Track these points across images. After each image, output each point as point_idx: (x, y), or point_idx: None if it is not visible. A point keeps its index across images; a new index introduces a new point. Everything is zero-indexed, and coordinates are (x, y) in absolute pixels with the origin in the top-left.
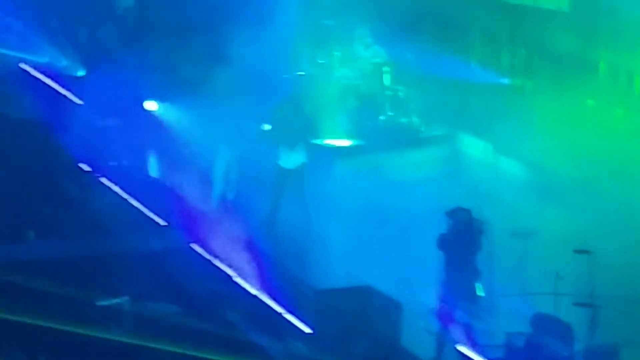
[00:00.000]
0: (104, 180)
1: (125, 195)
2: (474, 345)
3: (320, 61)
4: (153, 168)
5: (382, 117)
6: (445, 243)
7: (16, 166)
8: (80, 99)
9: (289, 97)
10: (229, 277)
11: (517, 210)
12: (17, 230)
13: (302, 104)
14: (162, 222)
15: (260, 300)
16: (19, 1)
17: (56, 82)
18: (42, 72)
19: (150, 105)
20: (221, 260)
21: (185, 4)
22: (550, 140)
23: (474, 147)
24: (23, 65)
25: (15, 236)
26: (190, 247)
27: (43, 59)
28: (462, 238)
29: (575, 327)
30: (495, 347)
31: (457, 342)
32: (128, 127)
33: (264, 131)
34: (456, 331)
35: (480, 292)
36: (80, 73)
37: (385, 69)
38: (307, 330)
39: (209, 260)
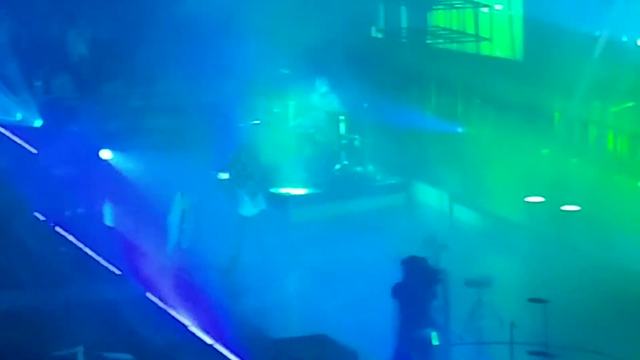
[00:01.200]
0: (58, 229)
1: (80, 245)
2: None
3: (276, 110)
4: (108, 217)
5: (337, 166)
6: (400, 292)
7: None
8: (35, 148)
9: (248, 146)
10: (184, 326)
11: (472, 259)
12: None
13: (260, 152)
14: (117, 271)
15: (216, 350)
16: None
17: (11, 131)
18: None
19: (105, 154)
20: (176, 310)
21: (141, 53)
22: (504, 189)
23: (429, 195)
24: None
25: None
26: (145, 297)
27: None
28: (418, 287)
29: None
30: None
31: None
32: (83, 176)
33: (222, 180)
34: None
35: (435, 342)
36: (36, 123)
37: (341, 117)
38: None
39: (164, 310)
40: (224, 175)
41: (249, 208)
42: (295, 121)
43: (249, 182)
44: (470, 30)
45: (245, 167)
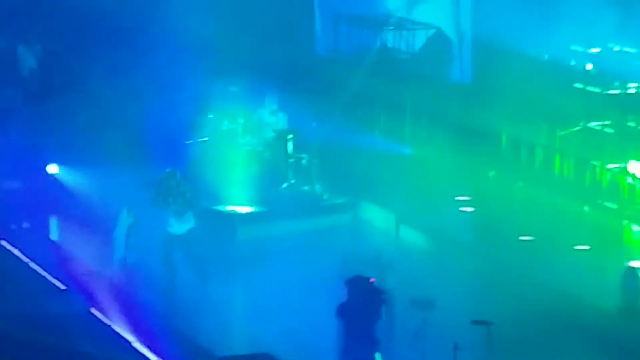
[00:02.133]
0: (3, 243)
1: (25, 259)
2: None
3: (224, 127)
4: (54, 231)
5: (284, 184)
6: (345, 312)
7: None
8: None
9: (185, 164)
10: (129, 343)
11: (417, 279)
12: None
13: (199, 170)
14: (62, 287)
15: None
16: None
17: None
18: None
19: (52, 168)
20: (120, 326)
21: (89, 67)
22: (451, 210)
23: (376, 215)
24: None
25: None
26: (90, 312)
27: None
28: (362, 307)
29: None
30: None
31: None
32: (29, 190)
33: (155, 197)
34: None
35: None
36: None
37: (289, 136)
38: None
39: (109, 326)
40: (157, 193)
41: (177, 226)
42: (244, 139)
43: (179, 200)
44: (419, 51)
45: (178, 184)
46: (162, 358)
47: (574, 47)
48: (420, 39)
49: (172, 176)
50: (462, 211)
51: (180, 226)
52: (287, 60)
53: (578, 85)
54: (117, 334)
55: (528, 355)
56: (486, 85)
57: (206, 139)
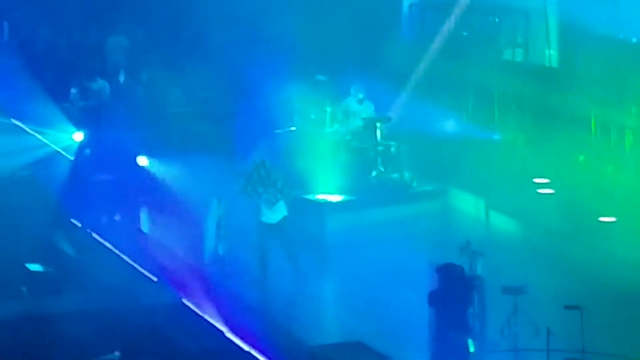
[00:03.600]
0: (95, 235)
1: (116, 251)
2: None
3: (312, 116)
4: (145, 223)
5: (374, 173)
6: (436, 299)
7: (8, 222)
8: (72, 155)
9: (274, 153)
10: (221, 333)
11: (508, 265)
12: (9, 285)
13: (289, 158)
14: (153, 278)
15: (253, 357)
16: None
17: (49, 139)
18: (33, 128)
19: (142, 160)
20: (213, 317)
21: (177, 59)
22: (540, 195)
23: (465, 202)
24: (15, 121)
25: (7, 291)
26: (182, 303)
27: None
28: (454, 294)
29: None
30: None
31: None
32: (120, 182)
33: (245, 187)
34: None
35: (471, 348)
36: (73, 129)
37: (377, 124)
38: None
39: (201, 316)
40: (248, 183)
41: (270, 215)
42: (332, 128)
43: (271, 189)
44: (506, 36)
45: (268, 173)
46: (255, 348)
47: None
48: (507, 24)
49: (262, 165)
50: (552, 196)
51: (273, 215)
52: (374, 47)
53: None
54: (210, 324)
55: (621, 339)
56: (574, 69)
57: (294, 128)
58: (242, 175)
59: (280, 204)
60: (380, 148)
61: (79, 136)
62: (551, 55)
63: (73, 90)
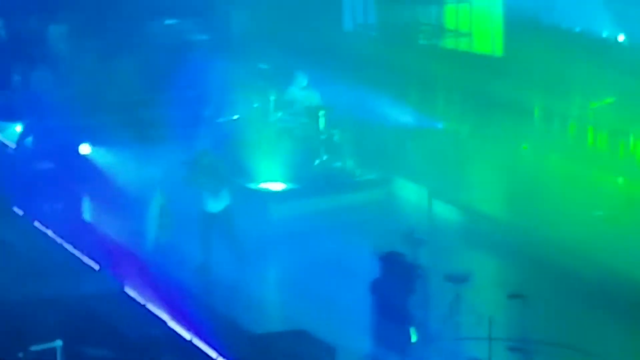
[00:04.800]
0: (37, 223)
1: (58, 239)
2: None
3: (256, 105)
4: (87, 211)
5: (317, 161)
6: (379, 287)
7: None
8: (14, 142)
9: (218, 142)
10: (163, 321)
11: (451, 254)
12: None
13: (232, 147)
14: (95, 266)
15: (194, 345)
16: None
17: None
18: None
19: (84, 148)
20: (155, 305)
21: (119, 45)
22: (484, 184)
23: (409, 191)
24: None
25: None
26: (124, 292)
27: None
28: (396, 282)
29: None
30: None
31: None
32: (62, 170)
33: (188, 176)
34: None
35: (414, 337)
36: (15, 117)
37: (321, 112)
38: None
39: (143, 305)
40: (191, 171)
41: (212, 204)
42: (275, 116)
43: (213, 178)
44: (451, 25)
45: (211, 162)
46: (198, 336)
47: (604, 18)
48: (451, 13)
49: (205, 154)
50: (494, 185)
51: (215, 204)
52: (316, 36)
53: (610, 56)
54: (152, 313)
55: (563, 328)
56: (519, 58)
57: (237, 117)
58: (185, 164)
59: (223, 193)
60: (323, 136)
61: (20, 124)
62: (496, 43)
63: (15, 78)
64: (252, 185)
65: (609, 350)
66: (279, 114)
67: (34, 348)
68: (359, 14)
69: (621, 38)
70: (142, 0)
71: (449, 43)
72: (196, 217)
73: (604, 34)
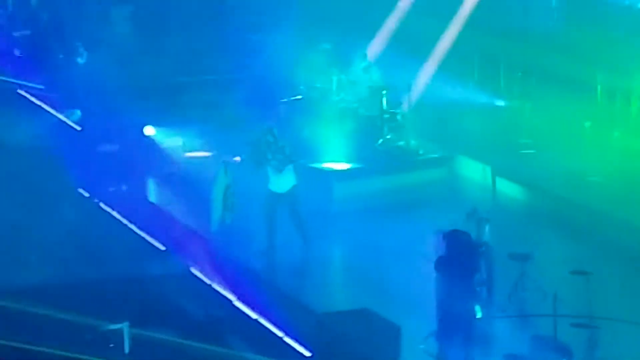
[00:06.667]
0: (103, 205)
1: (124, 221)
2: None
3: (318, 85)
4: (152, 193)
5: (380, 140)
6: (443, 265)
7: (16, 192)
8: (79, 125)
9: (281, 121)
10: (229, 301)
11: (515, 232)
12: (18, 255)
13: (295, 127)
14: (161, 247)
15: (261, 324)
16: (15, 30)
17: (55, 108)
18: (40, 99)
19: (149, 130)
20: (221, 285)
21: (181, 30)
22: (546, 161)
23: (472, 169)
24: (21, 92)
25: (16, 262)
26: (190, 272)
27: (42, 86)
28: (460, 260)
29: (574, 348)
30: None
31: None
32: (127, 152)
33: (253, 156)
34: (456, 353)
35: (479, 314)
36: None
37: (383, 92)
38: (307, 353)
39: (209, 285)
40: (255, 151)
41: (278, 184)
42: (338, 96)
43: (279, 155)
44: (513, 3)
45: (276, 140)
46: (263, 316)
47: None
48: None
49: (269, 132)
50: (558, 162)
51: (282, 184)
52: (380, 15)
53: None
54: (218, 293)
55: (628, 304)
56: (581, 35)
57: (300, 97)
58: (250, 144)
59: (289, 172)
60: (386, 116)
61: (86, 107)
62: (558, 21)
63: (80, 62)
64: (316, 165)
65: None
66: (342, 94)
67: (102, 329)
68: None
69: None
70: None
71: (512, 21)
72: (261, 197)
73: None
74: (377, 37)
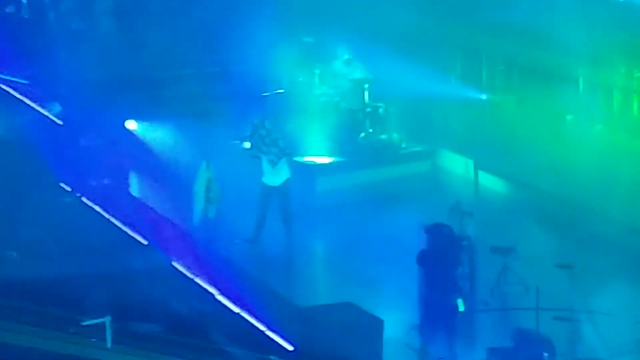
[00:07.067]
0: (84, 199)
1: (106, 215)
2: None
3: (300, 79)
4: (134, 187)
5: (362, 134)
6: (425, 259)
7: None
8: (60, 119)
9: (271, 113)
10: (211, 295)
11: (497, 225)
12: None
13: (284, 121)
14: (143, 241)
15: (243, 318)
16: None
17: (36, 102)
18: (21, 93)
19: (131, 124)
20: (203, 279)
21: (165, 24)
22: (529, 155)
23: (454, 163)
24: (3, 86)
25: None
26: (172, 266)
27: (23, 80)
28: (443, 254)
29: (556, 341)
30: None
31: (439, 358)
32: (109, 146)
33: (246, 149)
34: (438, 347)
35: (461, 308)
36: (61, 93)
37: (365, 85)
38: (289, 347)
39: (191, 279)
40: (247, 144)
41: (272, 177)
42: (320, 90)
43: (272, 149)
44: None
45: (269, 133)
46: (245, 310)
47: None
48: None
49: (262, 126)
50: (540, 156)
51: (275, 178)
52: (361, 8)
53: None
54: (200, 287)
55: (611, 298)
56: (562, 28)
57: (282, 91)
58: (243, 140)
59: (283, 165)
60: (368, 109)
61: (67, 101)
62: (540, 14)
63: (61, 56)
64: (298, 159)
65: None
66: (324, 88)
67: (83, 323)
68: None
69: None
70: None
71: (493, 14)
72: (245, 191)
73: None
74: (359, 30)
